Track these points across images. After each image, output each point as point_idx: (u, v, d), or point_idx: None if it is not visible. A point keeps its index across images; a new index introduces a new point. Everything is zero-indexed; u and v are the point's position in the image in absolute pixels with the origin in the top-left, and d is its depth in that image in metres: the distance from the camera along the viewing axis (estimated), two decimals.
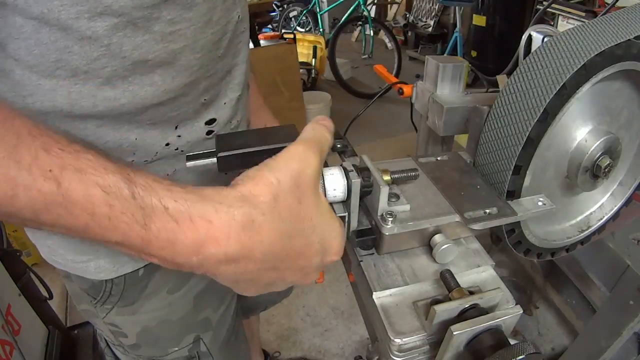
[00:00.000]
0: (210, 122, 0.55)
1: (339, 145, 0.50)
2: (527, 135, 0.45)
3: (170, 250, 0.30)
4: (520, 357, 0.36)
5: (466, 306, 0.40)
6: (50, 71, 0.39)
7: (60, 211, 0.28)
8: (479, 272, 0.50)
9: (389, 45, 4.51)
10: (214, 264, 0.32)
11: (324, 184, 0.40)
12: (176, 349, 0.66)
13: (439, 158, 0.58)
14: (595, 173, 0.53)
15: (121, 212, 0.28)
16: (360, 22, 4.19)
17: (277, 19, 5.12)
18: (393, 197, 0.47)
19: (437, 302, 0.42)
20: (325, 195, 0.41)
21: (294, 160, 0.34)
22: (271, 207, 0.33)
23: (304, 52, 3.68)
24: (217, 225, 0.30)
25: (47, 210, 0.28)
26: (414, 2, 4.85)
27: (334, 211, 0.43)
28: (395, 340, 0.42)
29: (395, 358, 0.44)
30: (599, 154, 0.51)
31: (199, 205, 0.31)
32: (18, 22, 0.36)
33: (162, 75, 0.45)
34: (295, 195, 0.34)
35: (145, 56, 0.42)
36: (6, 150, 0.26)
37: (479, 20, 3.41)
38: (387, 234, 0.44)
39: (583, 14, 1.91)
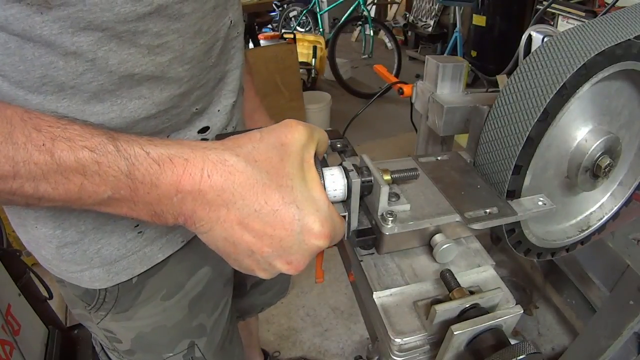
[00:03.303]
0: (204, 130, 0.55)
1: (339, 145, 0.50)
2: (527, 135, 0.45)
3: (155, 194, 0.32)
4: (521, 356, 0.36)
5: (467, 306, 0.40)
6: (36, 87, 0.39)
7: (57, 178, 0.31)
8: (479, 272, 0.50)
9: (389, 45, 4.52)
10: (191, 206, 0.33)
11: (324, 183, 0.40)
12: (171, 354, 0.66)
13: (439, 158, 0.58)
14: (595, 173, 0.53)
15: (108, 167, 0.31)
16: (360, 22, 4.19)
17: (277, 19, 5.12)
18: (393, 196, 0.47)
19: (438, 301, 0.42)
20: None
21: (283, 125, 0.36)
22: (247, 153, 0.34)
23: (304, 52, 3.68)
24: (192, 162, 0.33)
25: (46, 179, 0.30)
26: (414, 2, 4.84)
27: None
28: (396, 340, 0.42)
29: (395, 358, 0.44)
30: (599, 154, 0.51)
31: (177, 147, 0.33)
32: (2, 37, 0.36)
33: (150, 88, 0.45)
34: (277, 151, 0.35)
35: (132, 70, 0.42)
36: (2, 137, 0.29)
37: (479, 20, 3.41)
38: (387, 233, 0.44)
39: (583, 14, 1.90)
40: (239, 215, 0.34)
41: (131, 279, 0.56)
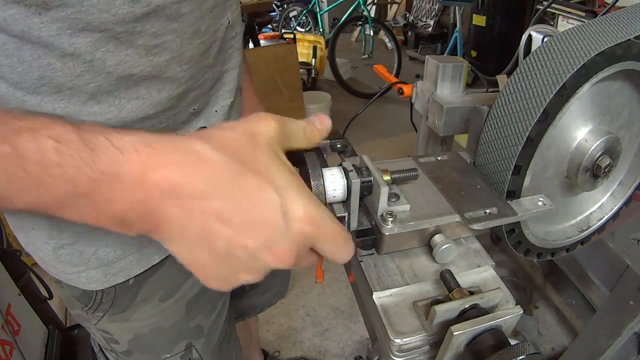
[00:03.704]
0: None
1: (338, 145, 0.50)
2: (527, 135, 0.45)
3: (118, 188, 0.29)
4: (521, 357, 0.36)
5: (466, 306, 0.40)
6: (34, 88, 0.39)
7: (16, 170, 0.28)
8: (479, 272, 0.50)
9: (389, 45, 4.51)
10: (159, 201, 0.30)
11: (324, 184, 0.40)
12: (168, 355, 0.66)
13: (439, 158, 0.58)
14: (595, 173, 0.53)
15: (69, 155, 0.28)
16: (360, 22, 4.19)
17: (277, 19, 5.11)
18: (393, 197, 0.47)
19: (438, 302, 0.42)
20: (325, 196, 0.41)
21: (253, 117, 0.34)
22: (218, 141, 0.31)
23: (304, 52, 3.67)
24: (158, 149, 0.30)
25: (4, 172, 0.28)
26: (414, 2, 4.84)
27: (334, 212, 0.43)
28: (396, 340, 0.42)
29: (395, 358, 0.44)
30: (599, 154, 0.51)
31: (142, 135, 0.30)
32: (0, 39, 0.36)
33: (148, 88, 0.45)
34: (249, 140, 0.33)
35: (130, 71, 0.42)
36: None
37: (479, 20, 3.41)
38: (387, 234, 0.44)
39: (583, 14, 1.91)
40: (215, 207, 0.31)
41: (128, 280, 0.56)
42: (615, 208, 0.64)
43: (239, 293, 0.93)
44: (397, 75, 3.78)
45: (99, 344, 0.68)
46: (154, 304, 0.60)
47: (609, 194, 0.64)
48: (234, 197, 0.31)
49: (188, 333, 0.67)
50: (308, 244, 0.34)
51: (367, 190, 0.44)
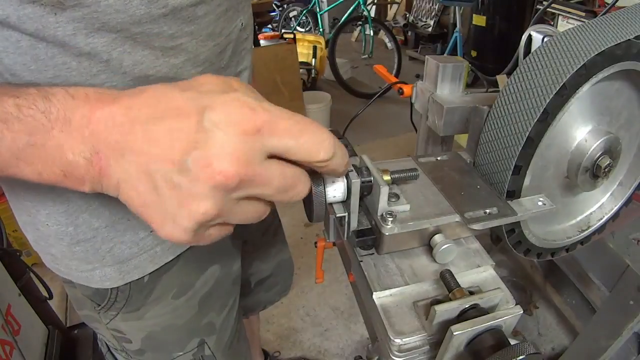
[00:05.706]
0: None
1: None
2: (527, 135, 0.45)
3: (67, 131, 0.29)
4: (521, 357, 0.36)
5: (466, 306, 0.40)
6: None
7: None
8: (479, 272, 0.49)
9: (389, 45, 4.51)
10: (104, 135, 0.29)
11: (323, 184, 0.40)
12: (181, 353, 0.66)
13: (439, 158, 0.58)
14: (595, 173, 0.53)
15: (27, 107, 0.29)
16: (360, 22, 4.19)
17: (277, 19, 5.11)
18: (393, 197, 0.47)
19: (438, 302, 0.41)
20: (325, 196, 0.41)
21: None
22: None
23: (304, 52, 3.67)
24: (106, 91, 0.30)
25: None
26: (414, 2, 4.84)
27: (334, 212, 0.43)
28: (396, 340, 0.42)
29: (395, 358, 0.43)
30: (599, 154, 0.51)
31: (103, 88, 0.31)
32: (14, 36, 0.36)
33: None
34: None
35: (147, 72, 0.42)
36: None
37: (479, 20, 3.41)
38: (387, 234, 0.44)
39: (583, 14, 1.90)
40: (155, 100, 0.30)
41: (143, 277, 0.56)
42: (615, 208, 0.64)
43: (245, 290, 0.94)
44: (397, 75, 3.78)
45: (107, 345, 0.68)
46: (168, 302, 0.60)
47: (609, 194, 0.64)
48: (161, 115, 0.28)
49: (200, 330, 0.67)
50: (263, 148, 0.28)
51: (367, 190, 0.44)
